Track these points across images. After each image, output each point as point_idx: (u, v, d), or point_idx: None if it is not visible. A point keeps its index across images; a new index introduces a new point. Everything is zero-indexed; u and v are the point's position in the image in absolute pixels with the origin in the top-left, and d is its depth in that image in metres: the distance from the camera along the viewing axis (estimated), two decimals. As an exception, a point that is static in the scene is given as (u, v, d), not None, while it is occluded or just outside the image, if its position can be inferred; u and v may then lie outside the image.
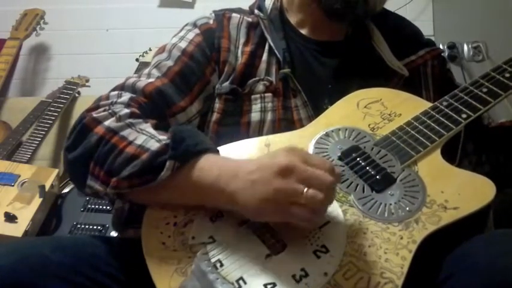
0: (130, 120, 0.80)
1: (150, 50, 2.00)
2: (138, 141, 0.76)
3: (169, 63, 0.93)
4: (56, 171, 1.70)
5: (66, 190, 1.74)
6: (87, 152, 0.77)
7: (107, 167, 0.75)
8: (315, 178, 0.66)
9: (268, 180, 0.67)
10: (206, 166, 0.74)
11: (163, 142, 0.75)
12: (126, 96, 0.85)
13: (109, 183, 0.74)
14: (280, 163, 0.67)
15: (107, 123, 0.79)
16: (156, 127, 0.81)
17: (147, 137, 0.77)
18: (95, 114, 0.80)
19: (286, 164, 0.67)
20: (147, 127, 0.80)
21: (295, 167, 0.67)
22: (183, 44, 0.96)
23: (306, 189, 0.65)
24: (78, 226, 1.61)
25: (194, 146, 0.75)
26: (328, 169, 0.68)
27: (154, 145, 0.74)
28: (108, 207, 1.66)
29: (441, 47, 2.10)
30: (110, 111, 0.81)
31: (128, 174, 0.73)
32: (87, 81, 2.12)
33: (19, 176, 1.66)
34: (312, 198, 0.65)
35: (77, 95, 2.06)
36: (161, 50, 0.98)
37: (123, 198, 0.79)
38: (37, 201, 1.59)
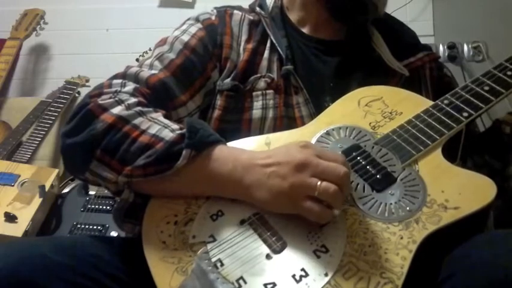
0: (140, 108, 0.80)
1: (150, 50, 2.00)
2: (152, 131, 0.76)
3: (171, 55, 0.93)
4: (56, 171, 1.70)
5: (66, 190, 1.75)
6: (93, 138, 0.76)
7: (120, 156, 0.75)
8: (328, 171, 0.69)
9: (284, 175, 0.70)
10: (221, 157, 0.75)
11: (178, 132, 0.76)
12: (130, 86, 0.85)
13: (122, 171, 0.75)
14: (296, 159, 0.70)
15: (115, 111, 0.78)
16: (166, 117, 0.81)
17: (161, 127, 0.77)
18: (100, 101, 0.80)
19: (301, 160, 0.70)
20: (159, 116, 0.80)
21: (310, 162, 0.70)
22: (185, 38, 0.96)
23: (319, 183, 0.68)
24: (78, 226, 1.61)
25: (208, 137, 0.76)
26: (341, 162, 0.71)
27: (169, 135, 0.75)
28: (108, 207, 1.66)
29: (441, 47, 2.10)
30: (116, 98, 0.81)
31: (143, 163, 0.73)
32: (87, 81, 2.12)
33: (19, 176, 1.66)
34: (325, 190, 0.68)
35: (76, 95, 2.06)
36: (162, 42, 0.98)
37: (133, 187, 0.78)
38: (37, 201, 1.59)
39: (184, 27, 1.00)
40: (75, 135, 0.78)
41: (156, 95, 0.87)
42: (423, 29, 2.11)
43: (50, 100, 1.96)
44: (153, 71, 0.90)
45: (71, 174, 0.87)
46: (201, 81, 0.94)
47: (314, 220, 0.70)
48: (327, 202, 0.69)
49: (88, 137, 0.77)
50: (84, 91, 2.09)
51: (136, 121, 0.78)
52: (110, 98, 0.81)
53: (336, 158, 0.72)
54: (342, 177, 0.69)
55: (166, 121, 0.79)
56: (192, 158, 0.74)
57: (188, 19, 1.03)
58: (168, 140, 0.74)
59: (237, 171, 0.74)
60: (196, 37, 0.97)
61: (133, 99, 0.81)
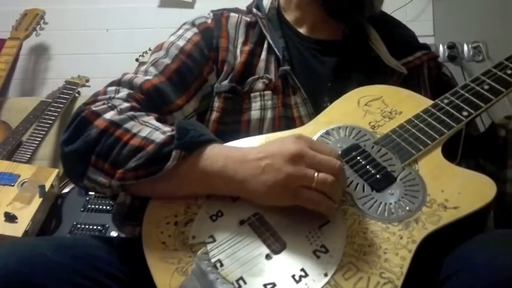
0: (132, 113, 0.81)
1: (150, 50, 2.00)
2: (143, 134, 0.77)
3: (167, 61, 0.94)
4: (56, 171, 1.70)
5: (66, 190, 1.74)
6: (88, 144, 0.77)
7: (112, 160, 0.76)
8: (324, 163, 0.70)
9: (280, 166, 0.70)
10: (212, 155, 0.75)
11: (168, 134, 0.76)
12: (124, 92, 0.86)
13: (114, 175, 0.75)
14: (290, 150, 0.70)
15: (108, 116, 0.79)
16: (158, 120, 0.82)
17: (152, 129, 0.77)
18: (94, 108, 0.81)
19: (296, 151, 0.70)
20: (151, 119, 0.81)
21: (305, 153, 0.70)
22: (180, 43, 0.97)
23: (316, 174, 0.68)
24: (78, 226, 1.60)
25: (198, 137, 0.76)
26: (334, 154, 0.72)
27: (159, 137, 0.75)
28: (108, 207, 1.66)
29: (441, 47, 2.10)
30: (109, 104, 0.81)
31: (134, 165, 0.74)
32: (87, 81, 2.12)
33: (19, 176, 1.66)
34: (323, 181, 0.69)
35: (77, 95, 2.06)
36: (158, 48, 0.98)
37: (127, 190, 0.79)
38: (37, 201, 1.59)
39: (180, 32, 1.00)
40: (72, 143, 0.79)
41: (150, 100, 0.87)
42: (423, 29, 2.11)
43: (50, 100, 1.96)
44: (147, 77, 0.90)
45: (72, 182, 0.88)
46: (197, 85, 0.94)
47: (315, 209, 0.70)
48: (324, 193, 0.69)
49: (83, 144, 0.78)
50: (84, 91, 2.09)
51: (128, 125, 0.78)
52: (104, 104, 0.82)
53: (330, 151, 0.73)
54: (337, 169, 0.70)
55: (158, 124, 0.80)
56: (183, 158, 0.74)
57: (184, 23, 1.03)
58: (158, 142, 0.75)
59: (228, 168, 0.74)
60: (191, 42, 0.97)
61: (126, 104, 0.82)
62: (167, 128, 0.78)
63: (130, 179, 0.75)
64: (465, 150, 0.84)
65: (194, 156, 0.75)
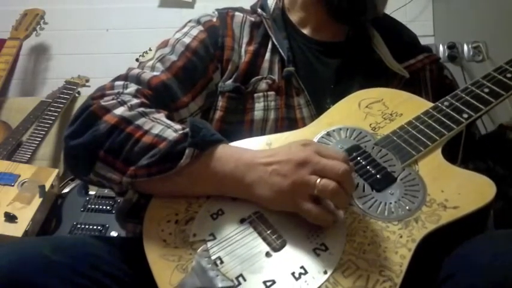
0: (143, 109, 0.81)
1: (150, 50, 2.00)
2: (155, 131, 0.77)
3: (173, 57, 0.94)
4: (56, 171, 1.70)
5: (66, 190, 1.75)
6: (96, 139, 0.77)
7: (124, 156, 0.76)
8: (328, 168, 0.69)
9: (285, 173, 0.70)
10: (224, 156, 0.76)
11: (181, 132, 0.76)
12: (132, 88, 0.85)
13: (126, 171, 0.75)
14: (296, 157, 0.71)
15: (118, 112, 0.79)
16: (168, 118, 0.82)
17: (164, 127, 0.77)
18: (102, 102, 0.80)
19: (302, 158, 0.70)
20: (161, 116, 0.81)
21: (310, 160, 0.70)
22: (186, 40, 0.97)
23: (318, 180, 0.68)
24: (78, 226, 1.60)
25: (211, 136, 0.77)
26: (341, 159, 0.71)
27: (171, 134, 0.76)
28: (108, 207, 1.66)
29: (441, 47, 2.10)
30: (118, 100, 0.81)
31: (146, 163, 0.74)
32: (87, 81, 2.12)
33: (19, 176, 1.66)
34: (324, 187, 0.68)
35: (77, 95, 2.06)
36: (164, 44, 0.98)
37: (137, 187, 0.78)
38: (37, 201, 1.59)
39: (185, 29, 1.00)
40: (78, 137, 0.78)
41: (158, 96, 0.87)
42: (423, 29, 2.11)
43: (50, 100, 1.96)
44: (154, 73, 0.90)
45: (74, 176, 0.87)
46: (202, 82, 0.94)
47: (312, 222, 0.70)
48: (327, 201, 0.69)
49: (91, 138, 0.77)
50: (84, 91, 2.09)
51: (139, 121, 0.78)
52: (113, 99, 0.81)
53: (337, 155, 0.72)
54: (341, 174, 0.69)
55: (169, 121, 0.80)
56: (195, 157, 0.74)
57: (189, 21, 1.03)
58: (171, 139, 0.75)
59: (238, 170, 0.74)
60: (197, 39, 0.97)
61: (135, 100, 0.82)
62: (178, 126, 0.78)
63: (143, 176, 0.75)
64: (471, 151, 0.85)
65: (206, 155, 0.76)
